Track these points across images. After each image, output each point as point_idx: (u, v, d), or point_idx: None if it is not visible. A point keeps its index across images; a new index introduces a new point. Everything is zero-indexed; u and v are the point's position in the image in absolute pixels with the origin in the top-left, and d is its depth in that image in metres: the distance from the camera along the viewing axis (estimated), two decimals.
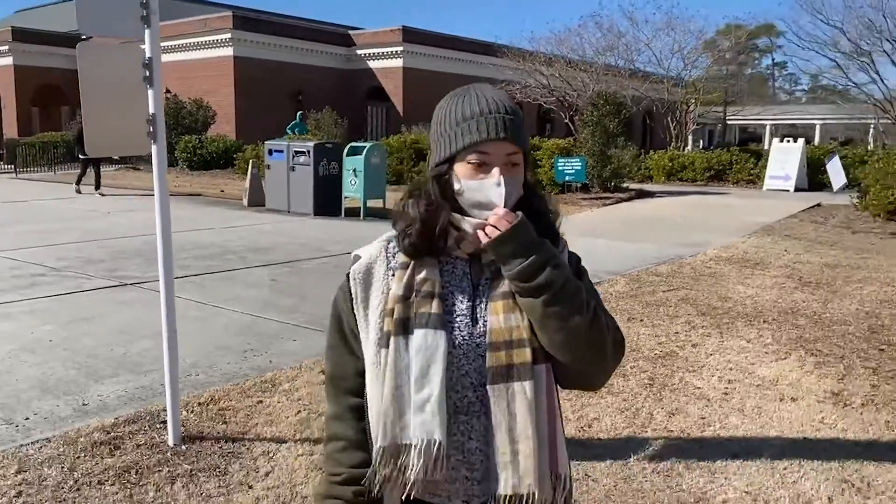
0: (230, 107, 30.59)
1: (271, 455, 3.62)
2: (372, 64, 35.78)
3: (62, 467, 3.42)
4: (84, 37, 3.83)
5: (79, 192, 17.50)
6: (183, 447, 3.66)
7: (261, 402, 4.31)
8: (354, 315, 1.45)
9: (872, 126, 33.25)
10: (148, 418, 4.01)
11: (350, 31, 37.59)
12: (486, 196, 1.36)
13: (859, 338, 6.00)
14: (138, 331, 5.72)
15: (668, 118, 27.03)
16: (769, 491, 3.38)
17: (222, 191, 18.09)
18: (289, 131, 19.99)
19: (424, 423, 1.32)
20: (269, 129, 24.68)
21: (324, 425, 1.50)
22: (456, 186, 1.39)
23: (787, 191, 17.97)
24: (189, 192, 17.43)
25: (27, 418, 4.02)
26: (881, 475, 3.56)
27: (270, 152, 14.87)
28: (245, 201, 15.45)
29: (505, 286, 1.38)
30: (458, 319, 1.39)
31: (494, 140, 1.37)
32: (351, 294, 1.45)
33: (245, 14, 33.76)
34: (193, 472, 3.40)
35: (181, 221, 4.53)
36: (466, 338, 1.38)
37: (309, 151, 14.04)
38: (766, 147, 27.77)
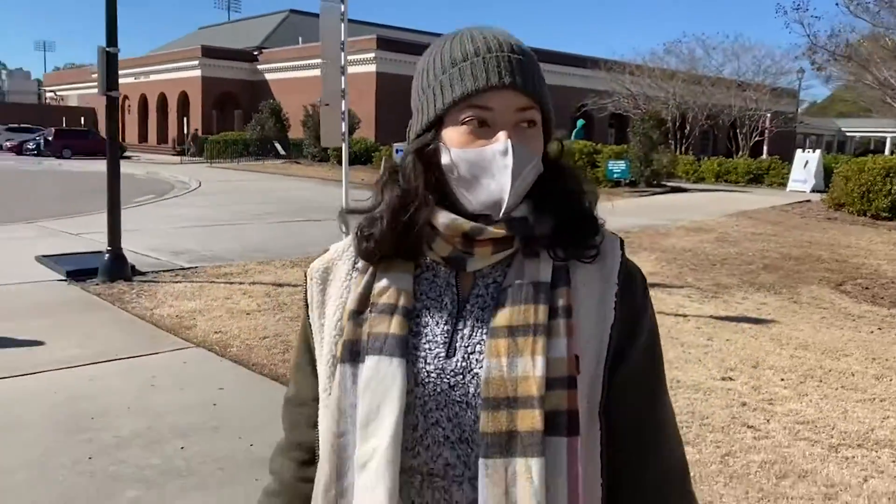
0: (371, 115, 36.91)
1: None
2: None
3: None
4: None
5: None
6: None
7: None
8: (310, 324, 1.09)
9: None
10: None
11: None
12: (486, 170, 0.93)
13: (711, 263, 10.76)
14: (285, 236, 11.45)
15: (737, 128, 31.00)
16: None
17: (362, 179, 24.27)
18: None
19: (366, 488, 0.92)
20: (402, 134, 30.54)
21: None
22: (444, 160, 0.96)
23: (805, 192, 21.73)
24: (339, 180, 23.78)
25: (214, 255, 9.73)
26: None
27: (397, 151, 20.71)
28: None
29: (511, 314, 0.94)
30: (425, 346, 0.97)
31: (497, 88, 0.93)
32: (306, 298, 1.09)
33: (387, 36, 40.22)
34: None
35: (336, 197, 9.72)
36: (434, 374, 0.96)
37: None
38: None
